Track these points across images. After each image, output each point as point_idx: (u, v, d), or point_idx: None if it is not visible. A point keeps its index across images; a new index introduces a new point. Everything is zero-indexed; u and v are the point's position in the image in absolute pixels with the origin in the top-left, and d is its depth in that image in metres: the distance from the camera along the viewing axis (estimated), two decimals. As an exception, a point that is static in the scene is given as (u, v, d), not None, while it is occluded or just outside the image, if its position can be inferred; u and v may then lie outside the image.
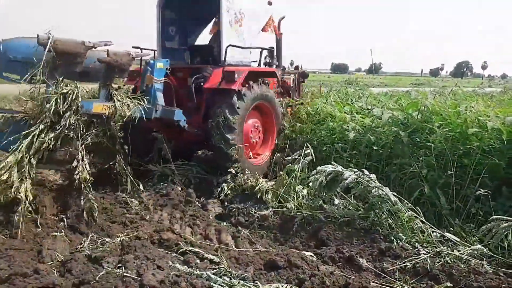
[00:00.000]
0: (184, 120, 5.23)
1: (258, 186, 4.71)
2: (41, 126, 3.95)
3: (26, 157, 3.86)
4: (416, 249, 3.56)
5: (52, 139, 4.00)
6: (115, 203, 4.72)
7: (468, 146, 4.53)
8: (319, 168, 4.35)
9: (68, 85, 4.20)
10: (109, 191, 5.08)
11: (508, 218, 3.38)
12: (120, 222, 4.16)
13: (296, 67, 8.65)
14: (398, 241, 3.70)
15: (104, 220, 4.18)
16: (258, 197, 4.68)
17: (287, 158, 5.44)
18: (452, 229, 3.94)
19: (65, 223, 4.03)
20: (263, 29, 6.59)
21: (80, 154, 4.14)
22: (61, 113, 4.05)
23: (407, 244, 3.67)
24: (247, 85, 5.57)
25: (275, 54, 6.84)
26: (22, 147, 3.83)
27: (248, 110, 5.65)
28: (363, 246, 3.72)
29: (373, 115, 6.10)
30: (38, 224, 3.87)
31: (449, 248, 3.52)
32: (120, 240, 3.63)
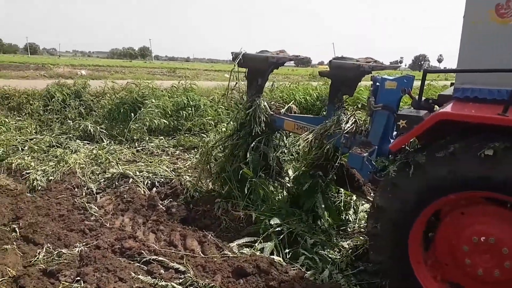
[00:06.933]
0: (369, 173, 3.19)
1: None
2: None
3: None
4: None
5: None
6: (73, 209, 4.46)
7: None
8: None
9: None
10: (67, 196, 4.80)
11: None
12: (79, 230, 3.90)
13: None
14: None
15: (61, 229, 3.92)
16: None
17: None
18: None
19: (18, 234, 3.76)
20: None
21: None
22: None
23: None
24: None
25: None
26: None
27: None
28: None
29: None
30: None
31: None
32: (78, 251, 3.40)
